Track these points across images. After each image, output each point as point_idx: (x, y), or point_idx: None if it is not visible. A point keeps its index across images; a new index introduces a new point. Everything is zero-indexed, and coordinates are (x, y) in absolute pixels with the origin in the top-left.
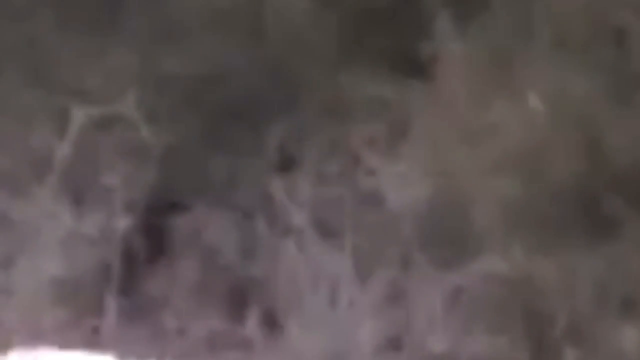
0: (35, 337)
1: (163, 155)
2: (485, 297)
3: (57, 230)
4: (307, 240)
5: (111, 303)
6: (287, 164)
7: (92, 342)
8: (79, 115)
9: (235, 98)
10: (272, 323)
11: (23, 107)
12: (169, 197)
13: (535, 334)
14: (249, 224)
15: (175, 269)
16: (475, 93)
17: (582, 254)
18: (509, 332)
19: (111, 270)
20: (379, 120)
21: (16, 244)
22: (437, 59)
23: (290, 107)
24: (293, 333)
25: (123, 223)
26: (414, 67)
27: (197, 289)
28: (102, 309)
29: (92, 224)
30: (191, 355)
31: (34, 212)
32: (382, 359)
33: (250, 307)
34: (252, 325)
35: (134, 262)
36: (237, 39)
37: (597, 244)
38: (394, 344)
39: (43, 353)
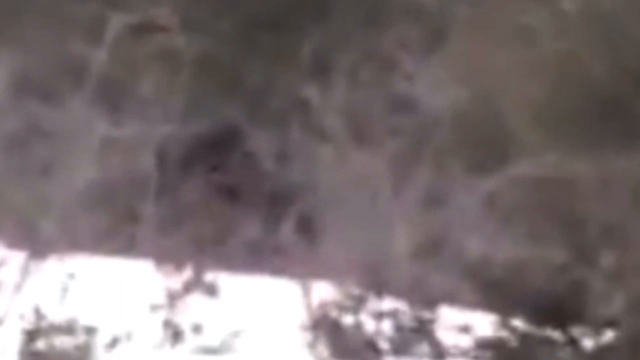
0: (72, 245)
1: (198, 62)
2: (521, 200)
3: (93, 138)
4: (342, 145)
5: (148, 211)
6: (321, 70)
7: (128, 250)
8: (115, 22)
9: (270, 5)
10: (308, 230)
11: (59, 15)
12: (204, 104)
13: (572, 237)
14: (284, 130)
15: (212, 175)
16: None
17: (617, 156)
18: (545, 235)
19: (147, 177)
20: (414, 25)
21: (52, 153)
22: None
23: (324, 13)
24: (330, 238)
25: (159, 130)
26: None
27: (233, 196)
28: (138, 216)
29: (128, 131)
30: (228, 263)
31: (70, 120)
32: (419, 264)
33: (286, 214)
34: (288, 232)
35: (170, 169)
36: None
37: (632, 145)
38: (431, 249)
39: (80, 260)
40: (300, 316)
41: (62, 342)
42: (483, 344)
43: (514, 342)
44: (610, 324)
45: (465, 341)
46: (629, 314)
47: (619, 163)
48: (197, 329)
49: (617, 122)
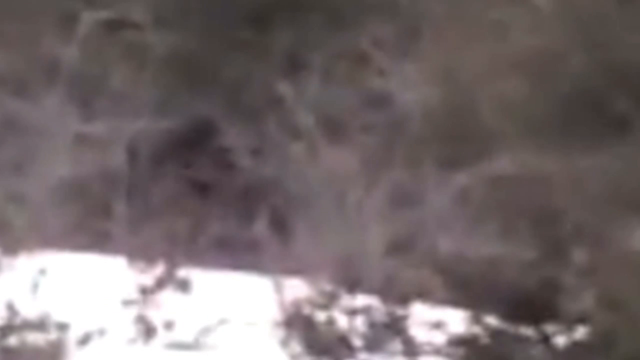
0: (45, 241)
1: (170, 59)
2: (494, 197)
3: (66, 134)
4: (315, 142)
5: (120, 206)
6: (295, 67)
7: (100, 246)
8: (87, 18)
9: (244, 2)
10: (281, 226)
11: (32, 11)
12: (177, 100)
13: (544, 234)
14: (257, 126)
15: (184, 171)
16: None
17: (590, 154)
18: (517, 232)
19: (119, 173)
20: (387, 22)
21: (25, 149)
22: None
23: (298, 10)
24: (302, 234)
25: (131, 126)
26: None
27: (206, 192)
28: (110, 212)
29: (100, 127)
30: (200, 258)
31: (43, 116)
32: (392, 260)
33: (259, 210)
34: (261, 228)
35: (142, 165)
36: None
37: (606, 143)
38: (403, 245)
39: (52, 256)
40: (273, 312)
41: (35, 338)
42: (456, 341)
43: (486, 339)
44: (582, 320)
45: (438, 338)
46: (600, 310)
47: (592, 160)
48: (169, 324)
49: (590, 119)
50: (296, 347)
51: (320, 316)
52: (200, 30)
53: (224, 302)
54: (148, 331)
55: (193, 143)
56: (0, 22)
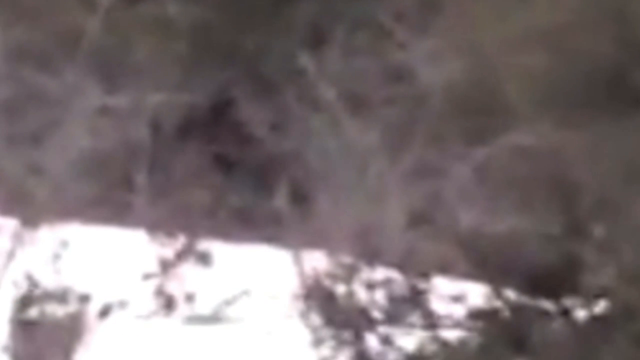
0: (65, 213)
1: (192, 32)
2: (515, 171)
3: (87, 106)
4: (336, 115)
5: (141, 179)
6: (317, 40)
7: (121, 218)
8: None
9: None
10: (301, 198)
11: None
12: (198, 73)
13: (564, 208)
14: (278, 99)
15: (205, 144)
16: None
17: (610, 128)
18: (538, 206)
19: (141, 146)
20: None
21: (46, 121)
22: None
23: None
24: (322, 207)
25: (153, 99)
26: None
27: (226, 164)
28: (132, 185)
29: (122, 100)
30: (221, 231)
31: (64, 89)
32: (412, 233)
33: (279, 183)
34: (281, 200)
35: (164, 138)
36: None
37: (625, 117)
38: (424, 218)
39: (73, 228)
40: (293, 285)
41: (55, 310)
42: (475, 314)
43: (506, 313)
44: (603, 294)
45: (458, 311)
46: (620, 284)
47: (613, 134)
48: (189, 297)
49: (611, 93)
50: (316, 319)
51: (340, 289)
52: (221, 2)
53: (244, 274)
54: (168, 304)
55: (214, 116)
56: None
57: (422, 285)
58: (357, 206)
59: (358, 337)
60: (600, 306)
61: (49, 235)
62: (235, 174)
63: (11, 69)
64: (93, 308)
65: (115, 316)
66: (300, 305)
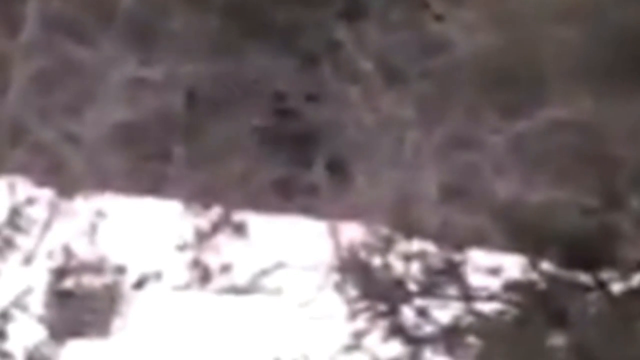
0: (102, 184)
1: (229, 2)
2: (551, 143)
3: (122, 76)
4: (372, 87)
5: (177, 150)
6: (353, 12)
7: (157, 189)
8: None
9: None
10: (338, 169)
11: None
12: (234, 44)
13: (602, 181)
14: (314, 70)
15: (241, 115)
16: None
17: None
18: (575, 179)
19: (177, 117)
20: None
21: (82, 91)
22: None
23: None
24: (359, 179)
25: (189, 70)
26: None
27: (263, 135)
28: (167, 156)
29: (157, 70)
30: (257, 202)
31: (100, 59)
32: (448, 205)
33: (316, 155)
34: (317, 172)
35: (199, 109)
36: None
37: None
38: (460, 190)
39: (109, 199)
40: (329, 257)
41: (91, 281)
42: (512, 287)
43: (542, 285)
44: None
45: (494, 283)
46: None
47: None
48: (225, 268)
49: None
50: (351, 291)
51: (376, 261)
52: None
53: (280, 246)
54: (204, 275)
55: (250, 87)
56: None
57: (457, 257)
58: (393, 178)
59: (393, 310)
60: (637, 279)
61: (84, 206)
62: (272, 145)
63: (47, 40)
64: (129, 279)
65: (151, 287)
66: (335, 277)
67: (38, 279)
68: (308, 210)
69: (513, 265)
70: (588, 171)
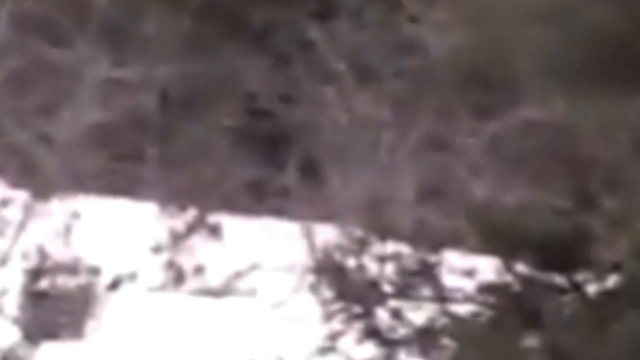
0: (76, 185)
1: (202, 3)
2: (525, 144)
3: (96, 78)
4: (346, 87)
5: (151, 151)
6: (327, 11)
7: (132, 191)
8: None
9: None
10: (312, 170)
11: None
12: (207, 44)
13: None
14: (287, 70)
15: (214, 116)
16: None
17: (622, 101)
18: (549, 180)
19: (151, 118)
20: None
21: (56, 92)
22: None
23: None
24: (333, 180)
25: (161, 70)
26: None
27: (236, 136)
28: (142, 157)
29: (131, 71)
30: (231, 204)
31: (74, 60)
32: (423, 206)
33: (290, 156)
34: (292, 172)
35: (174, 110)
36: None
37: (638, 91)
38: (435, 191)
39: (84, 200)
40: (303, 258)
41: (65, 282)
42: (486, 288)
43: (517, 287)
44: (614, 269)
45: (469, 285)
46: (632, 258)
47: (625, 107)
48: (199, 270)
49: (623, 68)
50: (326, 293)
51: (351, 262)
52: None
53: (254, 247)
54: (178, 276)
55: (224, 88)
56: None
57: (432, 259)
58: (367, 179)
59: (368, 311)
60: (612, 281)
61: (59, 207)
62: (245, 146)
63: (20, 40)
64: (103, 280)
65: (125, 288)
66: (309, 278)
67: (12, 280)
68: (282, 211)
69: (488, 267)
70: (561, 172)
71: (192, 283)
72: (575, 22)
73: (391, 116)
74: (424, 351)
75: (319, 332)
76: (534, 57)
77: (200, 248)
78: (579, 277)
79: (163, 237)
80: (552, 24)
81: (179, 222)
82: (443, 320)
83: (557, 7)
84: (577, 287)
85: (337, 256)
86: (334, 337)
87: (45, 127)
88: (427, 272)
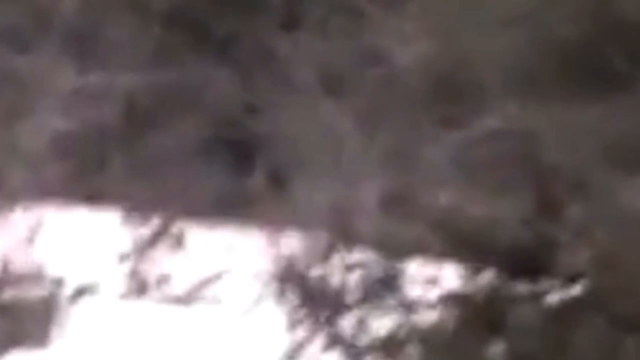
0: (39, 194)
1: (166, 12)
2: (489, 153)
3: (60, 86)
4: (311, 96)
5: (115, 160)
6: (292, 21)
7: (95, 200)
8: None
9: None
10: (276, 181)
11: None
12: (172, 54)
13: (540, 191)
14: (252, 80)
15: (180, 125)
16: None
17: (586, 110)
18: (513, 189)
19: (115, 127)
20: None
21: (19, 100)
22: None
23: None
24: (297, 190)
25: (127, 79)
26: None
27: (201, 146)
28: (106, 166)
29: (96, 80)
30: (195, 213)
31: (37, 68)
32: (388, 215)
33: (254, 165)
34: (256, 183)
35: (137, 119)
36: None
37: (604, 99)
38: (400, 200)
39: (47, 210)
40: (268, 266)
41: (28, 292)
42: (451, 297)
43: (481, 295)
44: (578, 277)
45: (433, 293)
46: (595, 267)
47: (587, 117)
48: (164, 279)
49: (588, 76)
50: (291, 301)
51: (316, 271)
52: None
53: (219, 256)
54: (142, 286)
55: (189, 98)
56: None
57: (397, 267)
58: (333, 188)
59: (333, 320)
60: (576, 289)
61: (23, 216)
62: (211, 155)
63: None
64: (67, 289)
65: (89, 298)
66: (275, 287)
67: None
68: (247, 220)
69: (452, 276)
70: (526, 181)
71: (156, 292)
72: (539, 31)
73: (356, 126)
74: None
75: (285, 340)
76: (499, 66)
77: (164, 257)
78: (543, 285)
79: (127, 246)
80: (517, 33)
81: (143, 231)
82: (407, 329)
83: (521, 16)
84: (541, 296)
85: (302, 265)
86: (299, 345)
87: (8, 136)
88: (392, 281)
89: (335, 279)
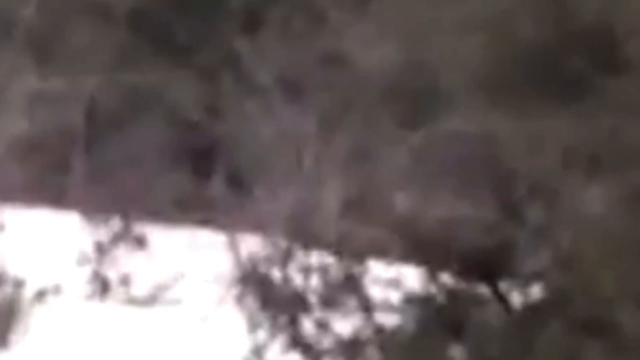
0: (2, 195)
1: (128, 16)
2: (450, 156)
3: (22, 90)
4: (272, 99)
5: (76, 163)
6: (252, 24)
7: (57, 202)
8: None
9: None
10: (237, 183)
11: None
12: (133, 58)
13: (500, 194)
14: (214, 83)
15: (141, 127)
16: None
17: (548, 114)
18: (474, 192)
19: (76, 130)
20: None
21: None
22: None
23: None
24: (258, 191)
25: (88, 81)
26: None
27: (162, 148)
28: (67, 169)
29: (57, 84)
30: (156, 214)
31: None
32: (348, 217)
33: (215, 167)
34: (216, 184)
35: (99, 122)
36: None
37: (563, 103)
38: (360, 203)
39: (9, 212)
40: (229, 269)
41: None
42: (411, 299)
43: (442, 297)
44: (538, 279)
45: (394, 295)
46: (555, 269)
47: (548, 121)
48: (125, 280)
49: (549, 79)
50: (252, 303)
51: (276, 273)
52: None
53: (180, 258)
54: (104, 287)
55: (150, 100)
56: None
57: (357, 269)
58: (293, 191)
59: (294, 322)
60: (535, 291)
61: None
62: (172, 158)
63: None
64: (29, 291)
65: (51, 299)
66: (235, 289)
67: None
68: (208, 222)
69: (412, 278)
70: (486, 184)
71: (117, 293)
72: (504, 37)
73: (316, 128)
74: None
75: (245, 342)
76: (461, 71)
77: (125, 258)
78: (503, 288)
79: (88, 247)
80: (479, 38)
81: (104, 232)
82: (368, 331)
83: (484, 22)
84: (501, 298)
85: (263, 267)
86: (259, 347)
87: None
88: (352, 283)
89: (295, 282)
